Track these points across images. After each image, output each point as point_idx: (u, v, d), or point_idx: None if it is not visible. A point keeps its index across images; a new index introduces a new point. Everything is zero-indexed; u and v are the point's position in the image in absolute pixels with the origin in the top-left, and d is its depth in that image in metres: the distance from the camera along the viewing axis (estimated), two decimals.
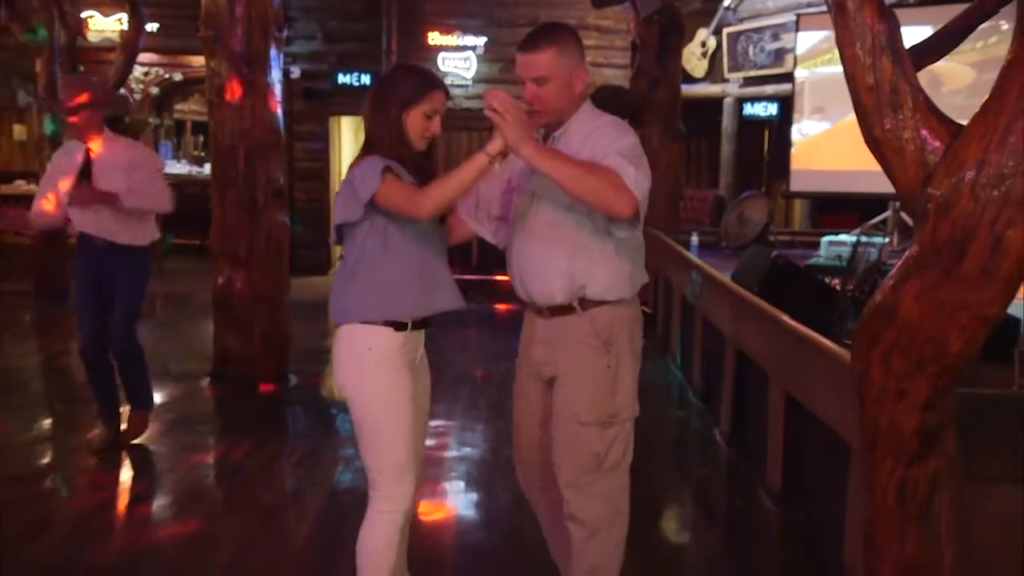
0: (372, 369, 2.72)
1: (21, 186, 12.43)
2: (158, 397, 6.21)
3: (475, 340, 8.25)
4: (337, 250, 12.90)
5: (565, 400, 2.76)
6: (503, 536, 4.04)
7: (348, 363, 2.77)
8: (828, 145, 9.19)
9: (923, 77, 2.68)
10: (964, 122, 2.52)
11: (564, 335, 2.75)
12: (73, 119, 4.93)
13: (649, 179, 2.59)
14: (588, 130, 2.69)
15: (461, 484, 4.58)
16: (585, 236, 2.68)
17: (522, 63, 2.68)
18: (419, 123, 2.74)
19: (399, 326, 2.72)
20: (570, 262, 2.68)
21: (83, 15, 11.39)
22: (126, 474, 4.85)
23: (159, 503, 4.47)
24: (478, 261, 9.72)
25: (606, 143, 2.60)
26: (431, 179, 2.74)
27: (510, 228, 2.88)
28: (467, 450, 5.11)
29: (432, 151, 2.93)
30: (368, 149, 2.75)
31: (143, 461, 5.04)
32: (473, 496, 4.48)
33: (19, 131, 16.96)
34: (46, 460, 5.14)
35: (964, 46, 3.17)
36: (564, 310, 2.73)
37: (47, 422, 5.87)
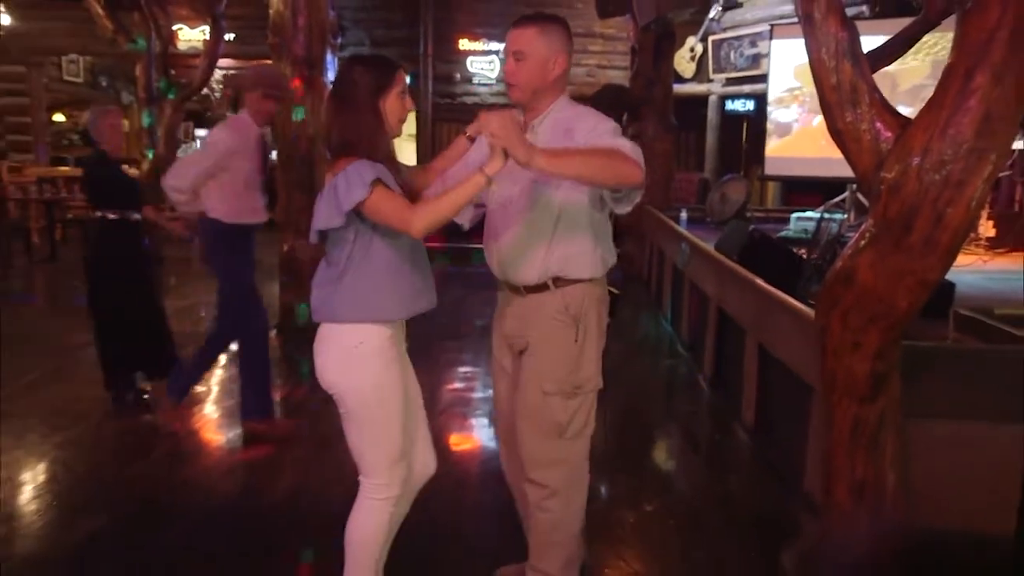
0: (364, 363, 2.36)
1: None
2: (233, 345, 6.27)
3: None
4: None
5: (532, 370, 2.53)
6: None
7: (337, 359, 2.39)
8: (798, 139, 9.13)
9: (881, 78, 2.66)
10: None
11: (537, 310, 2.52)
12: (275, 105, 4.35)
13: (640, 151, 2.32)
14: (566, 119, 2.46)
15: (485, 420, 4.61)
16: (563, 223, 2.46)
17: (508, 37, 2.47)
18: (397, 106, 2.36)
19: (388, 321, 2.39)
20: (548, 247, 2.46)
21: (174, 28, 11.41)
22: (209, 408, 4.91)
23: (236, 433, 4.51)
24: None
25: (592, 127, 2.38)
26: (396, 165, 2.41)
27: (487, 213, 2.62)
28: (491, 392, 5.14)
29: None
30: (344, 151, 2.30)
31: (221, 398, 5.08)
32: (494, 431, 4.52)
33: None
34: (145, 395, 5.18)
35: (920, 50, 3.14)
36: (538, 288, 2.50)
37: None
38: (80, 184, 4.91)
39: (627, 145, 2.28)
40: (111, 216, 4.79)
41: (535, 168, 2.13)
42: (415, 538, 3.04)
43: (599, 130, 2.37)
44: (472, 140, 2.56)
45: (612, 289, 2.70)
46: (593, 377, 2.56)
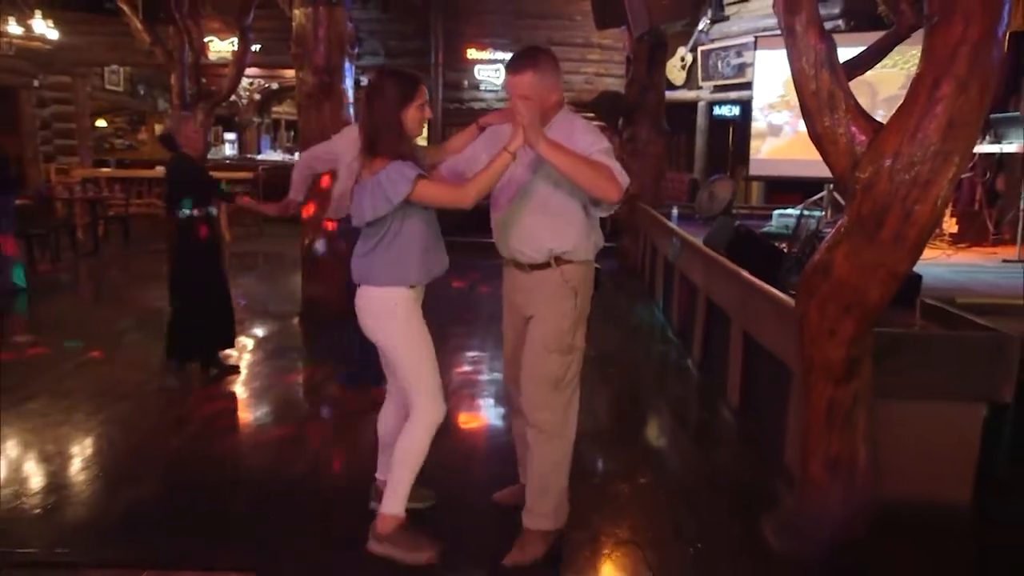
0: (401, 320, 2.71)
1: (160, 170, 12.46)
2: (260, 332, 6.33)
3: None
4: None
5: (537, 333, 2.76)
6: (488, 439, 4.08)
7: (379, 317, 2.74)
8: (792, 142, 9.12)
9: (860, 86, 2.66)
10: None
11: (541, 285, 2.74)
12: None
13: (626, 176, 2.58)
14: (567, 128, 2.66)
15: (491, 400, 4.63)
16: (568, 212, 2.68)
17: (509, 83, 2.63)
18: (417, 116, 2.64)
19: (413, 284, 2.72)
20: (552, 232, 2.68)
21: (205, 40, 11.41)
22: (239, 388, 4.92)
23: (262, 411, 4.53)
24: None
25: (590, 143, 2.58)
26: (420, 164, 2.65)
27: (494, 200, 2.81)
28: (496, 375, 5.15)
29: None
30: (374, 150, 2.60)
31: (250, 379, 5.09)
32: (500, 410, 4.52)
33: (159, 129, 17.09)
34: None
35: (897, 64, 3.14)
36: (542, 266, 2.73)
37: None
38: (165, 183, 5.03)
39: (616, 167, 2.54)
40: (193, 212, 4.91)
41: (538, 150, 2.44)
42: (432, 508, 3.10)
43: (597, 148, 2.57)
44: (482, 129, 2.86)
45: (596, 265, 2.88)
46: (581, 339, 2.82)
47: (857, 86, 2.69)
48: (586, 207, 2.69)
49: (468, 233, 4.84)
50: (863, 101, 2.62)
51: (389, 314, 2.72)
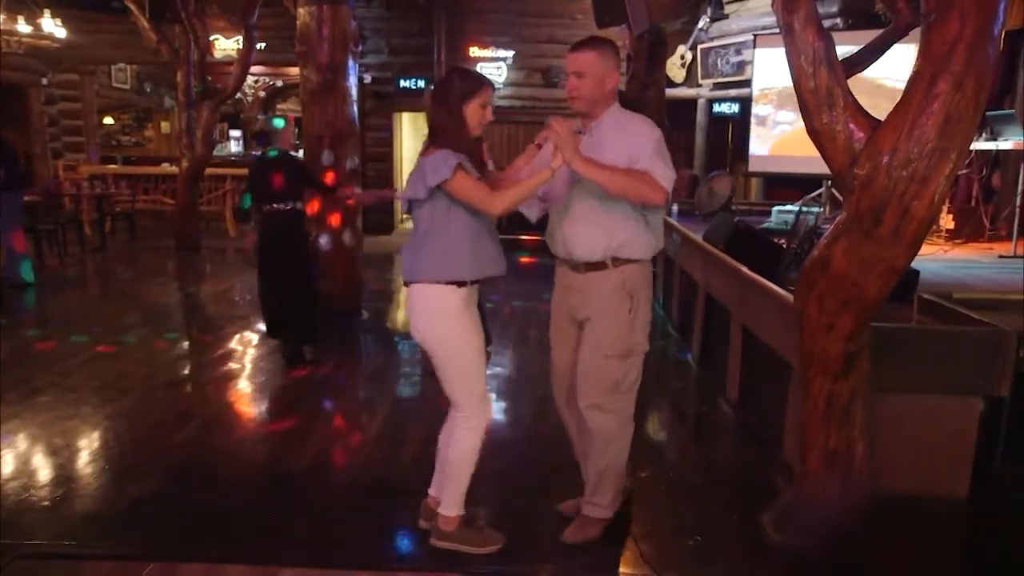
0: (449, 320, 2.63)
1: (166, 167, 12.51)
2: (264, 327, 6.31)
3: (503, 285, 8.25)
4: (397, 216, 12.94)
5: (594, 337, 2.71)
6: (526, 434, 4.09)
7: (427, 316, 2.66)
8: (781, 139, 9.08)
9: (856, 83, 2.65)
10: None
11: (597, 286, 2.69)
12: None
13: (672, 170, 2.57)
14: (617, 123, 2.66)
15: (492, 395, 4.63)
16: (623, 212, 2.62)
17: (569, 60, 2.65)
18: (477, 113, 2.62)
19: (461, 284, 2.62)
20: (608, 233, 2.64)
21: (211, 38, 11.39)
22: (243, 383, 4.93)
23: (267, 405, 4.54)
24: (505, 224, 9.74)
25: (640, 144, 2.57)
26: (480, 162, 2.71)
27: (554, 206, 2.80)
28: (498, 369, 5.15)
29: (481, 140, 2.83)
30: (434, 139, 2.62)
31: (255, 373, 5.10)
32: (502, 404, 4.53)
33: (165, 126, 17.10)
34: (186, 371, 5.23)
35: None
36: (598, 266, 2.68)
37: (185, 343, 5.98)
38: (263, 179, 5.12)
39: (660, 171, 2.53)
40: (289, 207, 5.06)
41: (574, 167, 2.47)
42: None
43: (641, 151, 2.56)
44: (539, 146, 2.79)
45: (654, 270, 2.79)
46: (642, 342, 2.76)
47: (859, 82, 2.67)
48: (642, 208, 2.66)
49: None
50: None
51: (438, 312, 2.64)
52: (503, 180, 2.84)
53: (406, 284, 2.71)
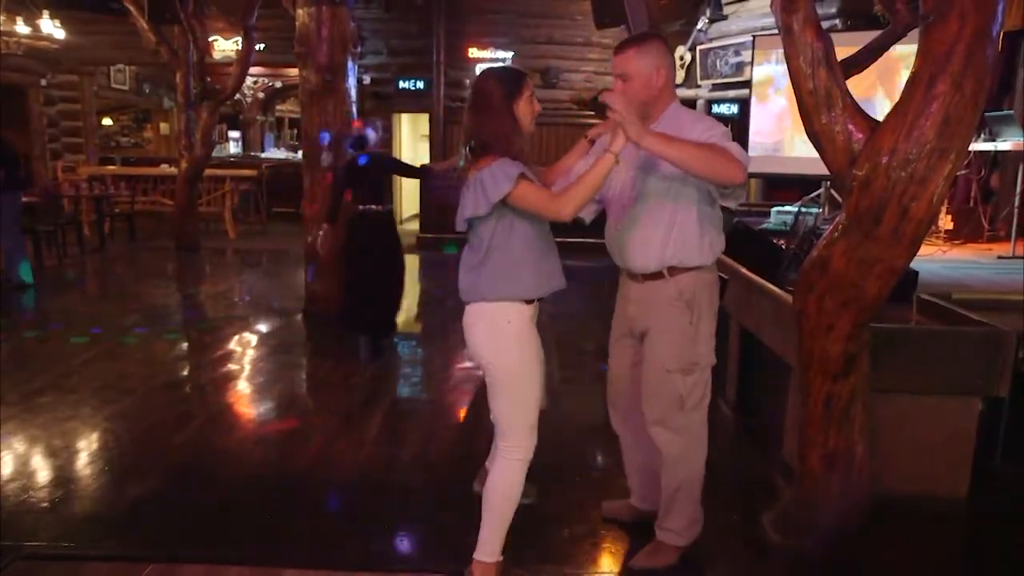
0: (511, 340, 2.41)
1: (165, 168, 12.50)
2: (264, 328, 6.33)
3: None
4: (397, 216, 12.93)
5: (654, 351, 2.57)
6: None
7: (488, 336, 2.42)
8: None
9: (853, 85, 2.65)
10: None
11: (654, 297, 2.55)
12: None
13: (747, 157, 2.37)
14: (677, 123, 2.44)
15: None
16: (677, 217, 2.47)
17: (613, 62, 2.50)
18: (527, 108, 2.39)
19: (528, 301, 2.42)
20: (663, 239, 2.48)
21: (210, 39, 11.39)
22: (242, 384, 4.92)
23: (266, 406, 4.54)
24: None
25: (706, 129, 2.40)
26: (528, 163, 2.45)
27: (609, 207, 2.65)
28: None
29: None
30: (484, 151, 2.34)
31: (255, 374, 5.09)
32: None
33: (164, 127, 17.10)
34: (186, 371, 5.23)
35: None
36: (655, 276, 2.53)
37: (185, 344, 5.98)
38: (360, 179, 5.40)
39: (734, 147, 2.32)
40: (383, 207, 5.32)
41: (644, 145, 2.20)
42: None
43: (712, 132, 2.38)
44: (592, 142, 2.63)
45: (721, 275, 2.69)
46: (707, 354, 2.59)
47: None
48: (700, 207, 2.48)
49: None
50: None
51: (500, 331, 2.41)
52: (551, 174, 2.67)
53: (465, 303, 2.49)
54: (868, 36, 3.14)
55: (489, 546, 2.48)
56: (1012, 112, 6.04)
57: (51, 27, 11.04)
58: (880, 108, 4.07)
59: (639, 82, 2.46)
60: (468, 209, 2.36)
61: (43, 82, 12.68)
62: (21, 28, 10.69)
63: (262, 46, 10.97)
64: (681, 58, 12.96)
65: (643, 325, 2.62)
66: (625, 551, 2.84)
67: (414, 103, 12.08)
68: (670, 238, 2.49)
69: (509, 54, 12.19)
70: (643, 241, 2.53)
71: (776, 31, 2.69)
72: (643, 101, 2.45)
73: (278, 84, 14.06)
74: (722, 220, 2.63)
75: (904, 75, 2.51)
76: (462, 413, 4.33)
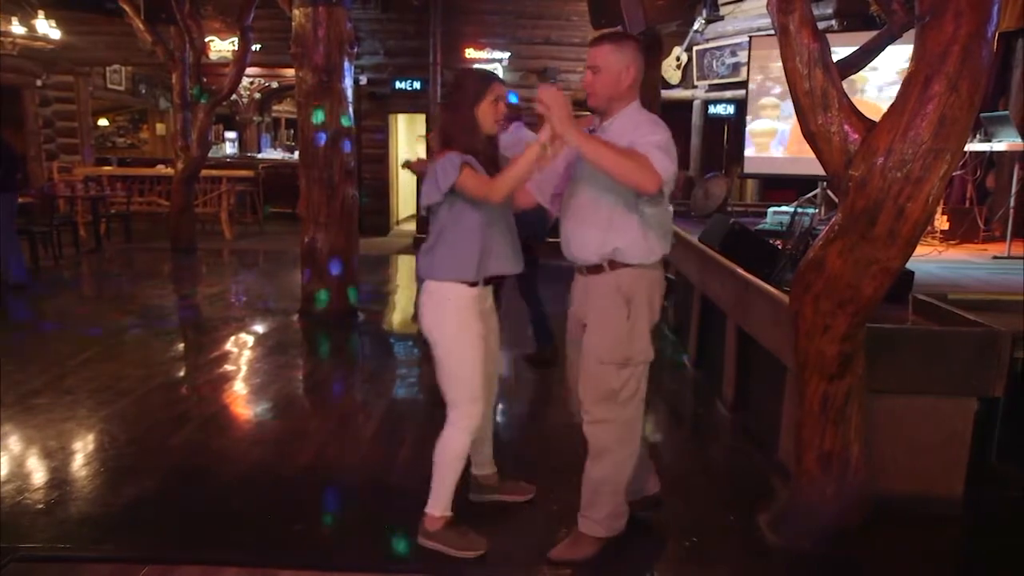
0: (450, 316, 2.68)
1: (161, 169, 12.48)
2: (261, 328, 6.32)
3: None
4: (393, 217, 12.93)
5: (590, 342, 2.65)
6: (521, 431, 4.09)
7: (432, 311, 2.71)
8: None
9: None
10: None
11: (594, 289, 2.64)
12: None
13: (675, 166, 2.44)
14: (632, 122, 2.54)
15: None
16: (617, 212, 2.54)
17: (589, 53, 2.58)
18: (490, 111, 2.65)
19: (470, 283, 2.68)
20: (603, 233, 2.56)
21: (206, 40, 11.38)
22: (239, 385, 4.92)
23: (263, 407, 4.53)
24: None
25: (644, 134, 2.45)
26: (496, 161, 2.71)
27: (555, 199, 2.79)
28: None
29: (495, 139, 2.76)
30: (446, 143, 2.65)
31: (251, 375, 5.09)
32: (499, 405, 4.50)
33: (160, 128, 17.07)
34: (182, 372, 5.22)
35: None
36: (596, 269, 2.62)
37: (181, 345, 5.97)
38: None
39: (658, 158, 2.36)
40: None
41: (567, 138, 2.35)
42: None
43: (649, 138, 2.44)
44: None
45: (668, 276, 2.73)
46: (643, 350, 2.65)
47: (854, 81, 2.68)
48: (641, 206, 2.54)
49: None
50: None
51: (442, 309, 2.69)
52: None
53: (419, 280, 2.78)
54: (864, 37, 3.15)
55: (439, 501, 2.78)
56: (1007, 113, 6.05)
57: (46, 27, 11.02)
58: None
59: (608, 76, 2.55)
60: (425, 198, 2.65)
61: (39, 83, 12.66)
62: (16, 28, 10.67)
63: (258, 47, 10.96)
64: (678, 59, 12.98)
65: (584, 316, 2.70)
66: (620, 549, 2.84)
67: (411, 104, 12.08)
68: (609, 233, 2.56)
69: (506, 55, 12.20)
70: (582, 234, 2.63)
71: (772, 32, 2.69)
72: (608, 96, 2.57)
73: (274, 85, 14.07)
74: (670, 221, 2.68)
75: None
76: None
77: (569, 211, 2.69)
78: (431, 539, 2.79)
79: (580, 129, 2.37)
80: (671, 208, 2.70)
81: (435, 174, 2.58)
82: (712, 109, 13.39)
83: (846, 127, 2.57)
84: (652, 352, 2.69)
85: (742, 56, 11.32)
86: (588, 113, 2.72)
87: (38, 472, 3.48)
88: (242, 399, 4.69)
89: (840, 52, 2.72)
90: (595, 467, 2.70)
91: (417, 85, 11.86)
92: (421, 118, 12.21)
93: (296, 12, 6.33)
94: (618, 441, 2.68)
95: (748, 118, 9.16)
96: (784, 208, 7.51)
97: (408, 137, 13.79)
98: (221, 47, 12.50)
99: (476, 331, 2.72)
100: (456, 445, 2.74)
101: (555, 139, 2.41)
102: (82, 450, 3.74)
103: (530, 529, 2.99)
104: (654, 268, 2.65)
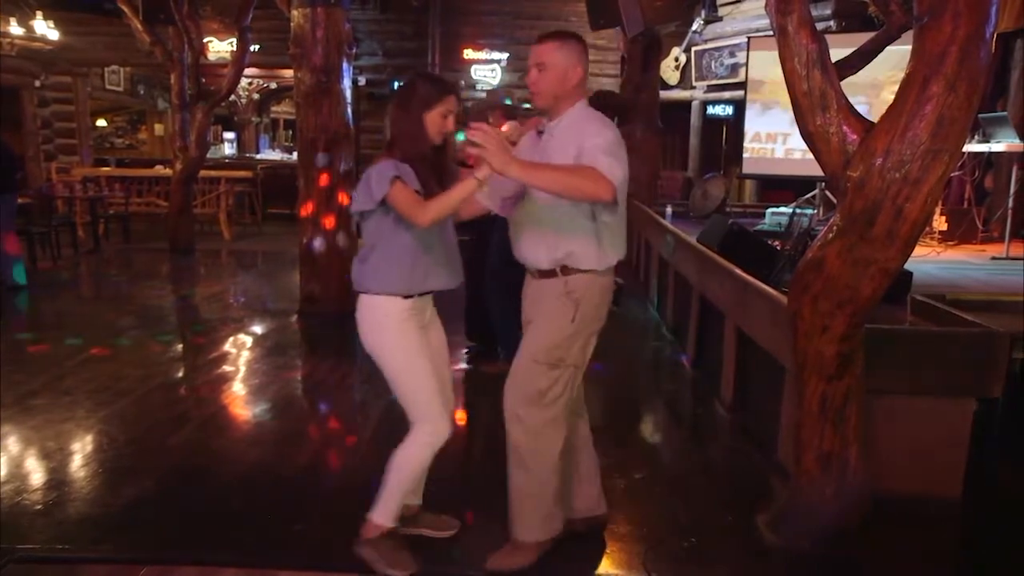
0: (390, 332, 2.56)
1: (159, 169, 12.48)
2: (259, 329, 6.32)
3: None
4: None
5: (528, 340, 2.60)
6: (480, 437, 4.07)
7: (370, 327, 2.59)
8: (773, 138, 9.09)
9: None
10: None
11: (545, 293, 2.58)
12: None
13: (624, 168, 2.36)
14: (578, 124, 2.48)
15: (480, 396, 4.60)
16: (569, 219, 2.49)
17: (532, 51, 2.53)
18: (438, 122, 2.52)
19: (405, 296, 2.56)
20: (555, 239, 2.51)
21: (205, 40, 11.39)
22: (238, 385, 4.91)
23: (262, 407, 4.52)
24: None
25: (590, 138, 2.39)
26: (444, 173, 2.58)
27: (513, 205, 2.68)
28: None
29: (446, 146, 2.63)
30: (389, 146, 2.54)
31: (249, 376, 5.08)
32: (462, 412, 4.41)
33: (158, 128, 17.08)
34: (180, 373, 5.22)
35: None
36: (548, 274, 2.56)
37: (180, 345, 5.97)
38: None
39: (605, 164, 2.29)
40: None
41: (509, 175, 2.24)
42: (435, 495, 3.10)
43: (595, 140, 2.37)
44: (514, 143, 2.67)
45: (617, 280, 2.71)
46: (578, 355, 2.59)
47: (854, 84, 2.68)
48: (597, 212, 2.48)
49: None
50: None
51: (379, 326, 2.58)
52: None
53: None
54: (862, 38, 3.16)
55: (386, 510, 2.65)
56: (1006, 113, 6.07)
57: (45, 28, 11.04)
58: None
59: (554, 74, 2.49)
60: (357, 204, 2.52)
61: (37, 83, 12.67)
62: (15, 29, 10.68)
63: (257, 47, 10.98)
64: (676, 59, 13.00)
65: (530, 318, 2.66)
66: (620, 552, 2.84)
67: None
68: (561, 238, 2.51)
69: (504, 55, 12.22)
70: (535, 239, 2.57)
71: (771, 32, 2.70)
72: (554, 94, 2.50)
73: (273, 85, 14.07)
74: (624, 227, 2.61)
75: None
76: (457, 415, 4.32)
77: (523, 215, 2.62)
78: (364, 548, 2.66)
79: (520, 161, 2.27)
80: (625, 212, 2.57)
81: (368, 180, 2.46)
82: (711, 110, 13.43)
83: (844, 128, 2.57)
84: (586, 359, 2.64)
85: (740, 57, 11.33)
86: (535, 115, 2.67)
87: (37, 473, 3.48)
88: (241, 399, 4.68)
89: (838, 53, 2.72)
90: (517, 472, 2.63)
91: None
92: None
93: (295, 13, 6.33)
94: (540, 443, 2.59)
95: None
96: (782, 209, 7.53)
97: None
98: (220, 48, 12.51)
99: (418, 344, 2.60)
100: (416, 459, 2.64)
101: (494, 175, 2.28)
102: (81, 451, 3.74)
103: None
104: (606, 274, 2.60)
